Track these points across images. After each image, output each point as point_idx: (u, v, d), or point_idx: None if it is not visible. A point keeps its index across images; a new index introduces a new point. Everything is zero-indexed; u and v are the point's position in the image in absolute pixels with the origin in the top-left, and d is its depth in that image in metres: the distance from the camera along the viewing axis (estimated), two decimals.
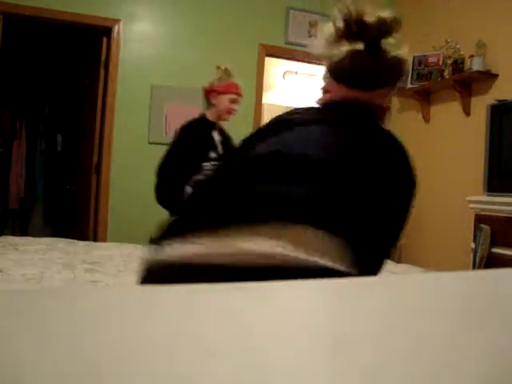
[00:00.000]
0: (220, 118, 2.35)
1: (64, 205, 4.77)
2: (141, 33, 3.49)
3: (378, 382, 0.25)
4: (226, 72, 2.35)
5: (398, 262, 3.13)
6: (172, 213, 2.26)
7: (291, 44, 3.91)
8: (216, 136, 2.38)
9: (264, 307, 0.38)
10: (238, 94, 2.33)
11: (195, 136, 2.31)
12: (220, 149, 2.37)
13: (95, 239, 3.31)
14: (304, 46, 3.95)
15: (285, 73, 5.00)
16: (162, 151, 3.58)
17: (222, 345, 0.29)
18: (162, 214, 3.50)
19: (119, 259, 1.61)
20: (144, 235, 3.99)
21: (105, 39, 3.44)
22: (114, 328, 0.32)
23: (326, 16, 3.96)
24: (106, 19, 3.37)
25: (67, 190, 4.29)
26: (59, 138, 5.01)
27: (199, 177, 2.23)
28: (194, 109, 3.64)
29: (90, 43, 3.86)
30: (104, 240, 3.26)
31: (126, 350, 0.28)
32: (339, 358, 0.28)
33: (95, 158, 3.47)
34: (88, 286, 1.20)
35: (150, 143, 3.51)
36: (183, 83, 3.59)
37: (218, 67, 2.39)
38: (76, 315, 0.34)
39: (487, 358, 0.29)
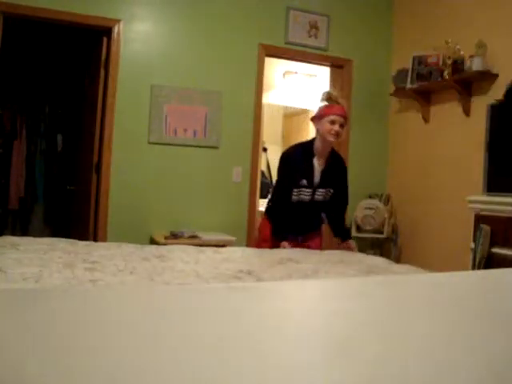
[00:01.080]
0: (325, 141, 2.40)
1: (64, 205, 4.78)
2: (141, 33, 3.49)
3: (379, 382, 0.25)
4: (329, 96, 2.42)
5: (398, 262, 3.13)
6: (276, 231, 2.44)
7: (291, 44, 3.91)
8: (316, 164, 2.44)
9: (264, 307, 0.38)
10: (340, 115, 2.36)
11: (291, 163, 2.43)
12: (317, 177, 2.43)
13: (95, 239, 3.31)
14: (304, 46, 3.95)
15: (285, 73, 5.00)
16: (161, 151, 3.61)
17: (222, 344, 0.29)
18: (161, 214, 3.51)
19: (119, 258, 1.61)
20: (144, 235, 3.98)
21: (105, 39, 3.44)
22: (114, 327, 0.32)
23: (325, 16, 3.97)
24: (106, 19, 3.37)
25: (67, 190, 4.29)
26: (59, 138, 5.01)
27: (293, 198, 2.41)
28: (194, 109, 3.65)
29: (90, 43, 3.86)
30: (104, 240, 3.26)
31: (125, 350, 0.28)
32: (339, 358, 0.28)
33: (95, 158, 3.47)
34: (88, 285, 1.20)
35: (149, 143, 3.51)
36: (183, 83, 3.59)
37: (323, 94, 2.45)
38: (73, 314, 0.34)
39: (487, 356, 0.29)
